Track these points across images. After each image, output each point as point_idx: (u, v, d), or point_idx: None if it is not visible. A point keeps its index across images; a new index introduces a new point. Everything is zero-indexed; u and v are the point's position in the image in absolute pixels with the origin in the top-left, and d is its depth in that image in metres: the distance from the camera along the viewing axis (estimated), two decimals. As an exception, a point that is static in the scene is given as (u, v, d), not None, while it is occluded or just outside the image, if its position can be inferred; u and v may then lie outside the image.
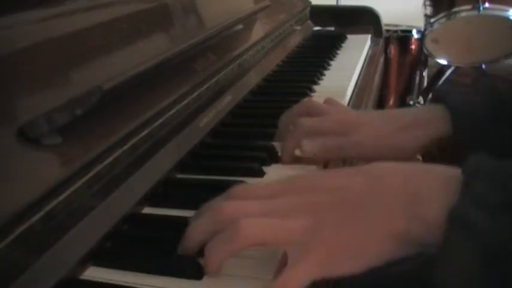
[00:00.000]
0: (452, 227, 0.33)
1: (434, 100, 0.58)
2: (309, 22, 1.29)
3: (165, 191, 0.51)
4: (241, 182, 0.50)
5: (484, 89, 0.57)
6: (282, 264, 0.40)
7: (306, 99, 0.67)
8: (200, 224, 0.38)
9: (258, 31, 0.95)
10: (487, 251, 0.32)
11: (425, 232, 0.35)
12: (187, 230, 0.39)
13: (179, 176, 0.55)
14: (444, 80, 1.76)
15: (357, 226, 0.36)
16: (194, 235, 0.38)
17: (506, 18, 1.55)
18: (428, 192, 0.36)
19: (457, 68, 1.75)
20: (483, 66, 1.72)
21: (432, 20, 1.63)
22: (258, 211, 0.37)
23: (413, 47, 1.81)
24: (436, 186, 0.36)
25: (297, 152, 0.56)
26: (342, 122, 0.57)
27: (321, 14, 1.31)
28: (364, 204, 0.37)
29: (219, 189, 0.48)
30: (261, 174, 0.54)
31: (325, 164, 0.58)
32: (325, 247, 0.36)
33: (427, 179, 0.37)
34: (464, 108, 0.55)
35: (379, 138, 0.55)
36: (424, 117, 0.57)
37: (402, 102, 1.85)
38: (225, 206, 0.38)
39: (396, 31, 1.80)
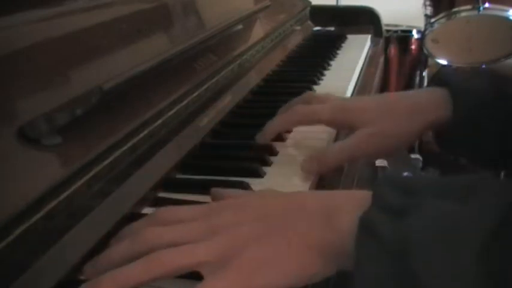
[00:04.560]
0: (360, 231, 0.35)
1: (436, 83, 0.58)
2: (309, 22, 1.29)
3: (165, 191, 0.51)
4: (241, 182, 0.51)
5: (485, 73, 0.58)
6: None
7: (307, 92, 0.68)
8: (120, 248, 0.37)
9: (258, 31, 0.95)
10: (389, 253, 0.33)
11: (339, 241, 0.36)
12: (105, 252, 0.38)
13: (179, 176, 0.55)
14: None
15: (276, 241, 0.37)
16: (112, 258, 0.37)
17: (506, 18, 1.55)
18: (343, 207, 0.38)
19: (457, 68, 1.75)
20: (483, 66, 1.72)
21: (432, 20, 1.63)
22: (177, 236, 0.37)
23: (413, 47, 1.81)
24: (351, 202, 0.38)
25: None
26: (341, 109, 0.58)
27: (321, 14, 1.31)
28: (283, 222, 0.38)
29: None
30: (261, 174, 0.54)
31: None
32: (245, 263, 0.35)
33: (343, 198, 0.40)
34: (465, 91, 0.56)
35: (380, 132, 0.55)
36: (426, 102, 0.57)
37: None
38: (145, 233, 0.37)
39: (396, 31, 1.79)
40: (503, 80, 0.56)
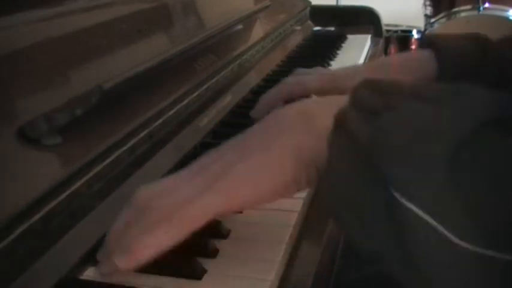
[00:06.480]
0: (334, 128, 0.35)
1: (423, 45, 0.61)
2: (309, 22, 1.29)
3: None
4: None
5: (473, 37, 0.59)
6: (282, 264, 0.40)
7: (296, 69, 0.68)
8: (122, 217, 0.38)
9: (258, 31, 0.95)
10: (360, 150, 0.32)
11: (317, 143, 0.36)
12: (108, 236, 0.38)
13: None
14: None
15: (258, 151, 0.37)
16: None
17: (506, 18, 1.55)
18: (322, 112, 0.38)
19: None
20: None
21: (432, 20, 1.64)
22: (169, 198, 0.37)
23: (413, 47, 1.82)
24: (330, 106, 0.37)
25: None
26: (329, 77, 0.60)
27: (321, 14, 1.31)
28: (263, 133, 0.39)
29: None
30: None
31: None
32: (230, 178, 0.36)
33: (322, 104, 0.40)
34: (449, 50, 0.57)
35: None
36: (413, 61, 0.60)
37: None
38: (139, 194, 0.38)
39: (396, 31, 1.80)
40: (490, 45, 0.57)
